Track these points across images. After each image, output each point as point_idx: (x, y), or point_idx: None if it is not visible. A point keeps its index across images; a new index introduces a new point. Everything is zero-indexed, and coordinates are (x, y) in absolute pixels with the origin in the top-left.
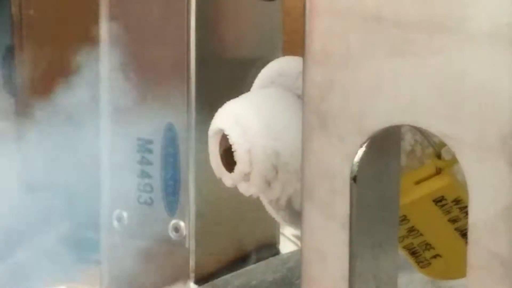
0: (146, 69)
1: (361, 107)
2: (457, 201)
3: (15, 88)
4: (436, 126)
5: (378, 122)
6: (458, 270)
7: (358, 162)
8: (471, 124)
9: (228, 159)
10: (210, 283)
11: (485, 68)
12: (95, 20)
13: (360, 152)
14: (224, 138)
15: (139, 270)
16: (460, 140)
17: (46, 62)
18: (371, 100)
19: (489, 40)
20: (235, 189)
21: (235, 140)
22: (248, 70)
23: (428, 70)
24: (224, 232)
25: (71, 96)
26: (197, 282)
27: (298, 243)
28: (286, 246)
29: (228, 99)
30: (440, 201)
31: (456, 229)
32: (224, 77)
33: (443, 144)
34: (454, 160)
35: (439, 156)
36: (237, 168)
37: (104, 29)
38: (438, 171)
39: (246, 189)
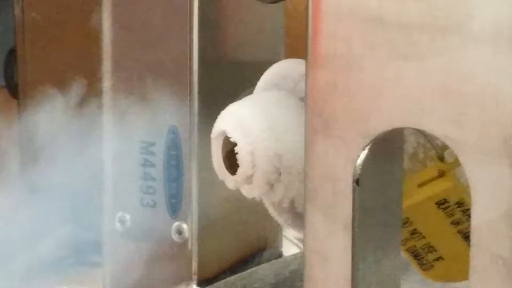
0: (149, 72)
1: (364, 110)
2: (459, 204)
3: (17, 90)
4: (439, 129)
5: (381, 124)
6: (461, 272)
7: (361, 164)
8: (473, 127)
9: (231, 161)
10: (212, 285)
11: (487, 70)
12: (98, 23)
13: (363, 154)
14: (227, 141)
15: (142, 272)
16: (463, 143)
17: (49, 64)
18: (374, 103)
19: (492, 42)
20: (237, 191)
21: (238, 143)
22: (250, 72)
23: (431, 72)
24: (227, 234)
25: (73, 98)
26: (199, 284)
27: (301, 245)
28: (289, 248)
29: (231, 102)
30: (443, 203)
31: (459, 231)
32: (226, 80)
33: (445, 147)
34: (456, 163)
35: (441, 159)
36: (239, 171)
37: (107, 31)
38: (441, 174)
39: (249, 192)
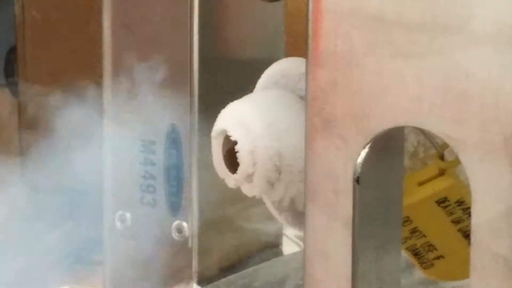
0: (149, 70)
1: (364, 108)
2: (460, 202)
3: (17, 89)
4: (439, 127)
5: (381, 123)
6: (461, 271)
7: (361, 163)
8: (474, 125)
9: (231, 160)
10: (213, 284)
11: (488, 69)
12: (98, 22)
13: (363, 153)
14: (227, 139)
15: (142, 271)
16: (463, 141)
17: (49, 63)
18: (374, 101)
19: (493, 41)
20: (238, 190)
21: (238, 141)
22: (251, 71)
23: (432, 71)
24: (227, 233)
25: (73, 97)
26: (200, 283)
27: (301, 244)
28: (289, 247)
29: (231, 100)
30: (443, 202)
31: (459, 230)
32: (227, 78)
33: (446, 145)
34: (457, 161)
35: (442, 157)
36: (240, 169)
37: (107, 30)
38: (441, 172)
39: (249, 190)
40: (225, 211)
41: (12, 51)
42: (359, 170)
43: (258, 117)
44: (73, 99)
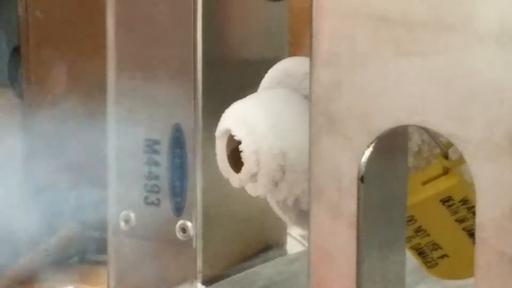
0: (153, 70)
1: (368, 108)
2: (464, 201)
3: (21, 89)
4: (443, 126)
5: (385, 122)
6: (466, 270)
7: (365, 162)
8: (478, 124)
9: (235, 159)
10: (217, 283)
11: (492, 67)
12: (102, 21)
13: (368, 152)
14: (231, 139)
15: (146, 271)
16: (467, 140)
17: (52, 63)
18: (378, 100)
19: (496, 40)
20: (242, 189)
21: (242, 141)
22: (254, 70)
23: (435, 70)
24: (231, 232)
25: (77, 96)
26: (204, 282)
27: (305, 243)
28: (293, 246)
29: (235, 100)
30: (448, 201)
31: (463, 229)
32: (230, 78)
33: (450, 144)
34: (461, 160)
35: (446, 156)
36: (244, 169)
37: (111, 29)
38: (445, 171)
39: (253, 190)
40: (229, 210)
41: (16, 51)
42: (363, 169)
43: (262, 116)
44: (78, 99)
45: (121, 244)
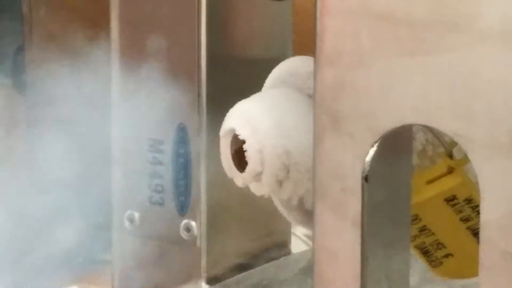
0: (157, 70)
1: (372, 107)
2: (468, 200)
3: (25, 88)
4: (448, 125)
5: (389, 121)
6: (470, 269)
7: (369, 161)
8: (482, 123)
9: (240, 159)
10: (221, 283)
11: (496, 66)
12: (106, 21)
13: (372, 151)
14: (235, 138)
15: (151, 270)
16: (472, 139)
17: (56, 63)
18: (383, 100)
19: (500, 39)
20: (246, 189)
21: (246, 140)
22: (258, 70)
23: (439, 69)
24: (235, 232)
25: (81, 96)
26: (208, 282)
27: (309, 242)
28: (298, 245)
29: (239, 99)
30: (452, 200)
31: (468, 228)
32: (235, 77)
33: (454, 143)
34: (465, 159)
35: (450, 156)
36: (248, 168)
37: (115, 29)
38: (450, 170)
39: (258, 189)
40: (233, 210)
41: (20, 50)
42: (367, 168)
43: (266, 116)
44: (80, 98)
45: (126, 244)
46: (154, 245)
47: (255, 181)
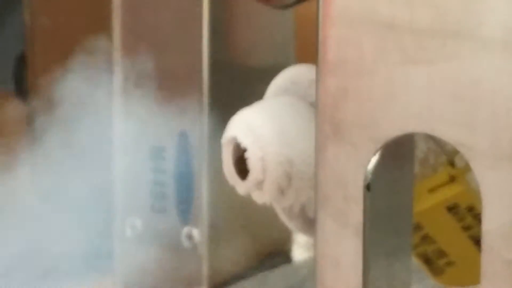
0: (159, 77)
1: (374, 115)
2: (470, 209)
3: (26, 96)
4: (450, 134)
5: (391, 130)
6: (472, 277)
7: (371, 170)
8: (484, 132)
9: (242, 167)
10: None
11: (498, 75)
12: (108, 28)
13: (374, 160)
14: (237, 146)
15: (153, 278)
16: (473, 148)
17: (58, 70)
18: (385, 108)
19: (503, 47)
20: (248, 196)
21: (248, 148)
22: (261, 78)
23: (442, 78)
24: (237, 239)
25: (83, 104)
26: None
27: (311, 250)
28: (299, 253)
29: (242, 107)
30: (454, 208)
31: (469, 236)
32: (237, 85)
33: (456, 152)
34: (467, 168)
35: (452, 164)
36: (250, 176)
37: (117, 37)
38: (452, 179)
39: (259, 197)
40: (235, 217)
41: (22, 57)
42: (369, 176)
43: (268, 124)
44: (82, 106)
45: (128, 251)
46: (156, 252)
47: (257, 189)
